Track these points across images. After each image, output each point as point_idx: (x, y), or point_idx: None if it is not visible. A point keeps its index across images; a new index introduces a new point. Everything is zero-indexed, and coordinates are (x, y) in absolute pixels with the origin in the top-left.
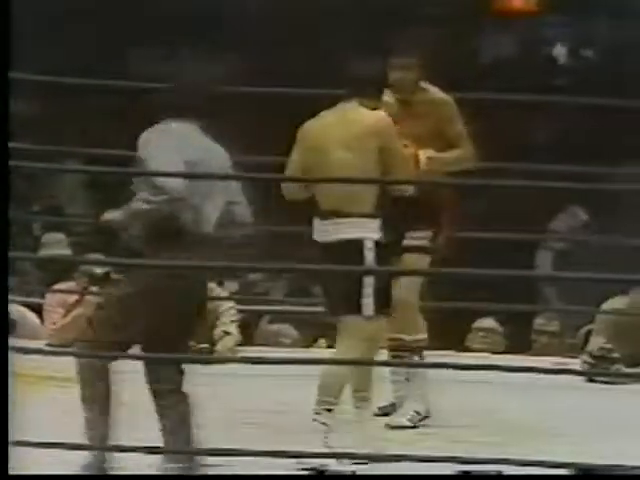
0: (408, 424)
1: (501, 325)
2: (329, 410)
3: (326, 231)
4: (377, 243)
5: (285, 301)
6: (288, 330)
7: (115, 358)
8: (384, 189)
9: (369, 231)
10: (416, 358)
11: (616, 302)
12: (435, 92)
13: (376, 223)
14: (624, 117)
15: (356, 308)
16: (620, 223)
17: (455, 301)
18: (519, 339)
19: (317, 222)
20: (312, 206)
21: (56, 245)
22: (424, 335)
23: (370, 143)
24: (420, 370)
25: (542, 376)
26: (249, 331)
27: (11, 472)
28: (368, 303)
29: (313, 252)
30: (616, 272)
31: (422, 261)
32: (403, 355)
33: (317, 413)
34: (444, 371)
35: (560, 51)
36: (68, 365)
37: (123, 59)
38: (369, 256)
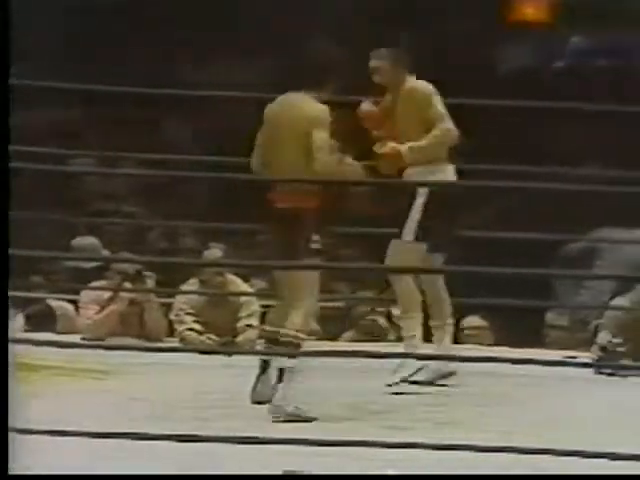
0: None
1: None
2: None
3: None
4: None
5: None
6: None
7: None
8: None
9: None
10: None
11: (622, 299)
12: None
13: None
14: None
15: None
16: None
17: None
18: (532, 334)
19: None
20: None
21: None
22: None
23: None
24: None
25: (552, 368)
26: None
27: (12, 472)
28: None
29: None
30: None
31: None
32: None
33: None
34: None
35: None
36: (103, 358)
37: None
38: None
